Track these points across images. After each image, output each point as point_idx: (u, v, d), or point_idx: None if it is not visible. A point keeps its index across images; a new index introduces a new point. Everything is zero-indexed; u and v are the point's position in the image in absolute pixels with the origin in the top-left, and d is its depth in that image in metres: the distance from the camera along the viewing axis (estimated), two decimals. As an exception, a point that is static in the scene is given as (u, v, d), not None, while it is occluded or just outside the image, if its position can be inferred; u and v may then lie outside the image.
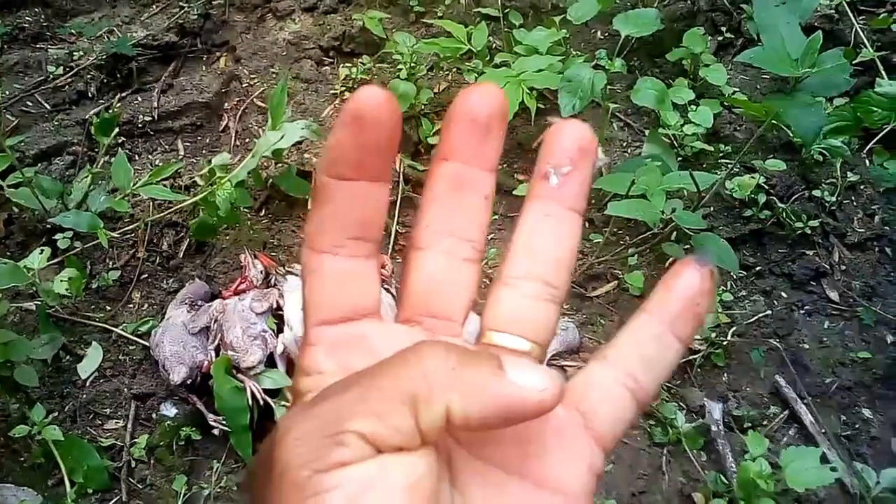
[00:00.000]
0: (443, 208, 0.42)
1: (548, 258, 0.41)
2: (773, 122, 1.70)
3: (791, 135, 2.02)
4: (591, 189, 0.43)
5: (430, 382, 0.34)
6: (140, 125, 2.18)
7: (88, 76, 2.28)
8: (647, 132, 2.08)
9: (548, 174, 0.41)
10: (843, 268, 1.90)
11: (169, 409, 1.69)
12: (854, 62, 1.98)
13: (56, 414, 1.67)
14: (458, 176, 0.41)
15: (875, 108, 1.93)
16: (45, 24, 2.43)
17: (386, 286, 1.79)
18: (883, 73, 2.07)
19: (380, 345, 0.41)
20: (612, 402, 0.41)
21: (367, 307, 0.42)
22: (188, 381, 1.65)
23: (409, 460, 0.34)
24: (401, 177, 2.03)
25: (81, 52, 2.32)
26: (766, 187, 1.96)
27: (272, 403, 1.63)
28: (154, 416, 1.69)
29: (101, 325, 1.81)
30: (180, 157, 2.15)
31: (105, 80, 2.29)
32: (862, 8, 2.33)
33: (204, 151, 2.17)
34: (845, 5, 2.22)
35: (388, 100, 0.38)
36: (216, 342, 1.70)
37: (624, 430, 0.42)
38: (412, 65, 2.08)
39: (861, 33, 2.19)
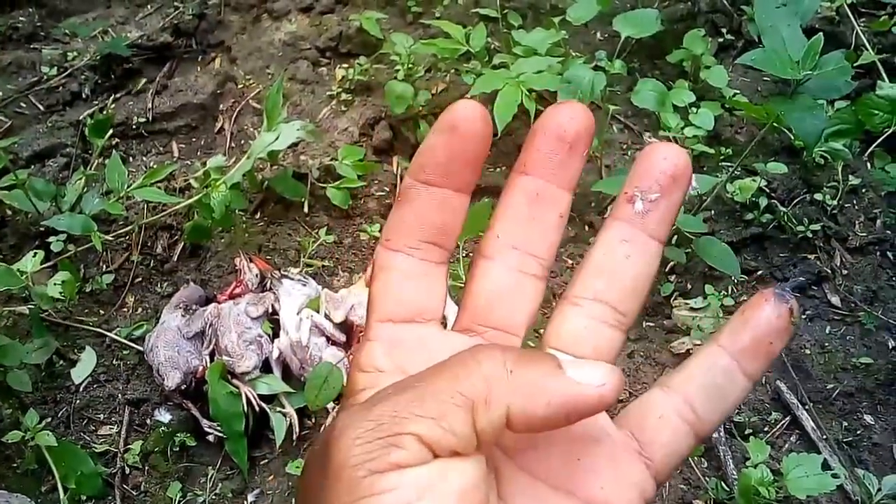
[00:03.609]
0: (516, 221, 0.42)
1: (620, 283, 0.41)
2: (775, 124, 1.68)
3: (792, 137, 2.01)
4: (676, 217, 0.41)
5: (489, 385, 0.34)
6: (134, 126, 2.17)
7: (82, 77, 2.26)
8: (647, 134, 2.06)
9: (633, 198, 0.40)
10: (845, 272, 1.89)
11: (163, 415, 1.67)
12: (855, 65, 1.97)
13: (49, 419, 1.65)
14: (536, 191, 0.42)
15: (876, 112, 1.92)
16: (38, 24, 2.41)
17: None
18: (884, 75, 2.05)
19: (438, 351, 0.40)
20: (671, 432, 0.41)
21: (432, 311, 0.42)
22: (183, 387, 1.63)
23: (464, 466, 0.34)
24: (398, 179, 2.01)
25: (75, 53, 2.30)
26: (768, 190, 1.95)
27: (268, 409, 1.62)
28: (148, 421, 1.68)
29: (94, 329, 1.79)
30: (175, 158, 2.14)
31: (99, 81, 2.27)
32: (862, 10, 2.32)
33: (199, 153, 2.15)
34: (846, 7, 2.20)
35: (483, 115, 0.39)
36: (211, 347, 1.69)
37: (680, 462, 0.41)
38: (410, 66, 2.06)
39: (862, 36, 2.17)
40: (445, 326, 0.43)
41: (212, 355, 1.68)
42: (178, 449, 1.63)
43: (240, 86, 2.29)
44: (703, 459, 1.62)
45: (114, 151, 2.03)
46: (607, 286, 0.41)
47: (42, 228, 1.83)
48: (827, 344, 1.79)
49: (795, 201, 1.95)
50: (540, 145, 0.42)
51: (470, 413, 0.34)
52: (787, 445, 1.65)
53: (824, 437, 1.64)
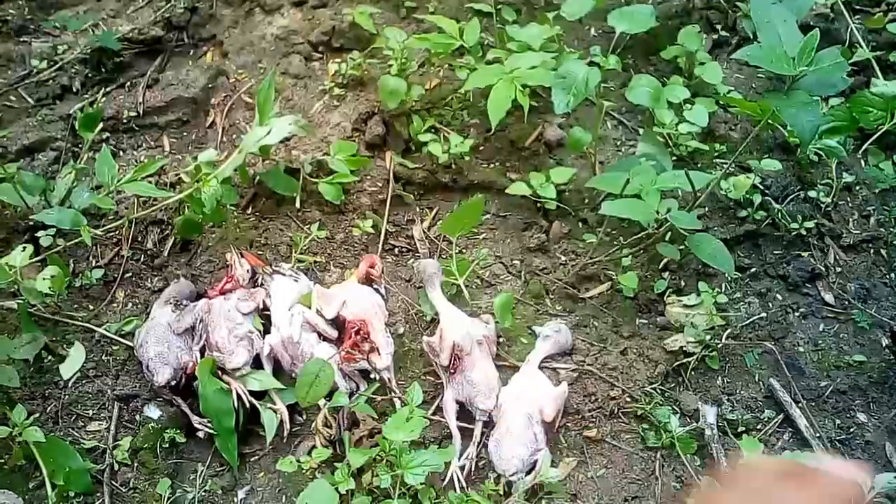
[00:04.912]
0: None
1: None
2: (769, 121, 1.68)
3: (787, 134, 2.00)
4: None
5: None
6: (125, 120, 2.15)
7: (73, 70, 2.24)
8: (641, 131, 2.05)
9: None
10: (839, 270, 1.88)
11: (153, 411, 1.66)
12: (850, 62, 1.96)
13: (38, 415, 1.63)
14: None
15: (870, 109, 1.92)
16: (28, 16, 2.40)
17: (376, 286, 1.77)
18: (879, 73, 2.05)
19: None
20: None
21: None
22: (173, 383, 1.62)
23: None
24: (390, 174, 2.00)
25: (66, 46, 2.29)
26: (762, 188, 1.94)
27: (258, 406, 1.61)
28: (138, 417, 1.66)
29: (83, 324, 1.77)
30: (166, 153, 2.12)
31: (90, 75, 2.26)
32: (857, 7, 2.31)
33: (190, 147, 2.14)
34: (841, 5, 2.20)
35: None
36: (201, 343, 1.68)
37: None
38: (403, 60, 2.05)
39: (856, 33, 2.17)
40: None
41: (202, 351, 1.67)
42: (167, 445, 1.62)
43: (231, 80, 2.27)
44: (696, 457, 1.62)
45: (104, 145, 2.02)
46: None
47: (31, 222, 1.81)
48: (820, 342, 1.78)
49: (789, 198, 1.94)
50: None
51: None
52: (780, 443, 1.65)
53: (817, 434, 1.64)
